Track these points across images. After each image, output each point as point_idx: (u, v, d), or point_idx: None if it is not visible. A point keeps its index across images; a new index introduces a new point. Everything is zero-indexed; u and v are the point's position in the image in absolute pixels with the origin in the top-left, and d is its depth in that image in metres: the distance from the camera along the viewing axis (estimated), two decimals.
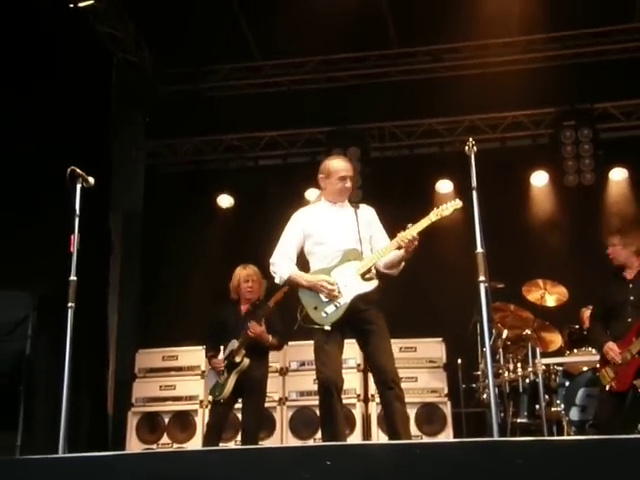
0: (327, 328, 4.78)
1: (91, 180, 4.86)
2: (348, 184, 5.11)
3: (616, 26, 9.29)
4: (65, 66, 7.94)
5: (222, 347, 6.43)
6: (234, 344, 6.27)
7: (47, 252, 7.04)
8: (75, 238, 4.66)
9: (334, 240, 4.98)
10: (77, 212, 4.72)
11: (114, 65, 9.36)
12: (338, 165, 5.14)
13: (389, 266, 4.98)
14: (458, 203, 4.85)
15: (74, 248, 4.64)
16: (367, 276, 4.88)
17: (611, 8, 8.81)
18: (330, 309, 4.82)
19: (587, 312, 7.62)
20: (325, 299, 4.84)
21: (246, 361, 6.18)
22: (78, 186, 4.79)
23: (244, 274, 6.54)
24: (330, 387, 4.80)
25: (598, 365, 6.10)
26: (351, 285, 4.84)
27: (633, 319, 5.81)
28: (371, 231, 5.06)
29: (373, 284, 4.87)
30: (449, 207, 4.82)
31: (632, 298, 5.88)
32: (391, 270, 5.01)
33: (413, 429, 7.44)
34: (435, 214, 4.81)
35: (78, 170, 4.80)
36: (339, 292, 4.82)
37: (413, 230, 4.77)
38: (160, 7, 8.61)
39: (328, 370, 4.82)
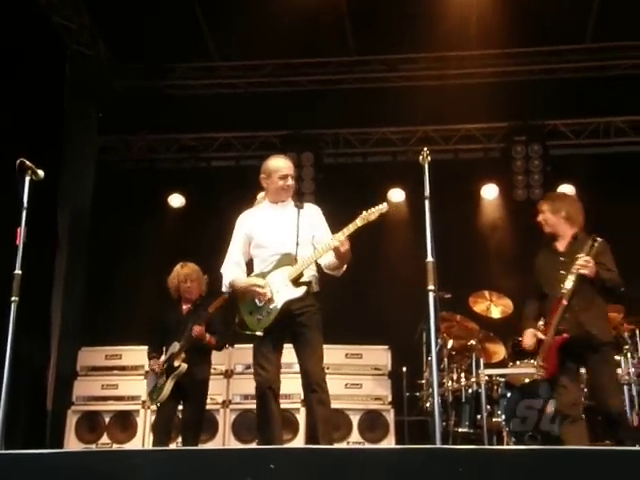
0: (259, 334, 4.88)
1: (41, 173, 4.78)
2: (289, 182, 5.13)
3: (569, 45, 9.48)
4: (17, 57, 7.79)
5: (164, 348, 6.36)
6: (175, 347, 6.21)
7: None
8: (22, 231, 4.57)
9: (273, 243, 5.03)
10: (25, 205, 4.64)
11: (68, 57, 9.21)
12: (278, 164, 5.16)
13: (330, 268, 5.02)
14: (384, 207, 4.85)
15: (20, 241, 4.56)
16: (299, 281, 4.91)
17: (564, 28, 9.00)
18: (263, 314, 4.89)
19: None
20: (259, 304, 4.91)
21: (184, 366, 6.12)
22: (27, 178, 4.70)
23: (182, 274, 6.46)
24: (266, 390, 4.87)
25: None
26: (282, 291, 4.89)
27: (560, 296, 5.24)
28: (314, 231, 5.06)
29: (302, 290, 4.90)
30: (375, 211, 4.82)
31: (562, 272, 5.27)
32: (333, 272, 5.04)
33: (355, 435, 7.47)
34: (361, 219, 4.83)
35: (27, 162, 4.72)
36: (271, 297, 4.88)
37: (338, 236, 4.80)
38: (119, 1, 8.51)
39: (265, 373, 4.88)
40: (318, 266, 5.06)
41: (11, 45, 7.69)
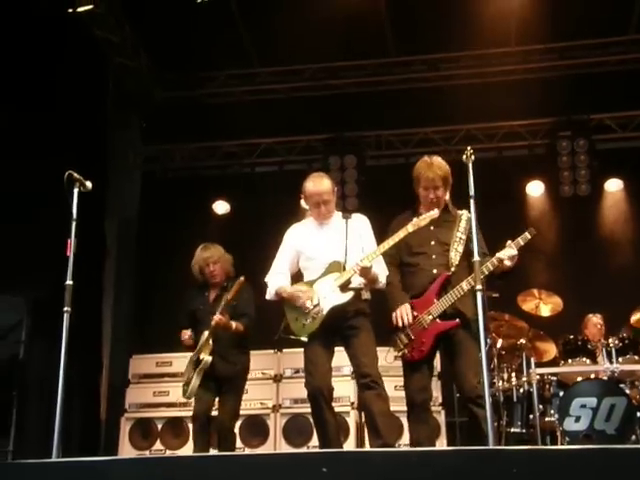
0: (304, 339, 4.93)
1: (88, 184, 4.86)
2: (322, 209, 5.15)
3: (613, 38, 9.33)
4: (62, 71, 7.93)
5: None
6: (203, 337, 5.92)
7: (41, 256, 7.04)
8: (72, 242, 4.65)
9: (322, 255, 5.07)
10: (74, 216, 4.71)
11: (111, 70, 9.36)
12: (311, 190, 5.16)
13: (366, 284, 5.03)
14: (435, 213, 4.89)
15: (71, 252, 4.63)
16: (347, 287, 4.93)
17: (608, 20, 8.86)
18: (308, 320, 4.94)
19: (593, 319, 7.66)
20: (305, 310, 4.95)
21: (207, 359, 5.84)
22: (75, 190, 4.78)
23: (203, 258, 6.13)
24: (317, 396, 4.90)
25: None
26: (329, 297, 4.93)
27: (439, 270, 4.99)
28: (362, 243, 5.10)
29: (349, 295, 4.92)
30: (426, 217, 4.87)
31: (433, 243, 5.07)
32: (373, 285, 5.05)
33: (406, 438, 7.42)
34: (412, 225, 4.87)
35: (75, 174, 4.79)
36: (318, 303, 4.92)
37: (370, 256, 4.85)
38: (158, 12, 8.60)
39: (314, 380, 4.92)
40: None
41: (55, 60, 7.84)
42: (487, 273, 4.81)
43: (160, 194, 10.02)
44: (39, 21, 7.64)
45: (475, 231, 4.44)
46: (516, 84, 9.41)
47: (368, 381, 4.84)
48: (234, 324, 5.92)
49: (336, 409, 5.15)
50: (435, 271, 4.99)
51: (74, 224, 4.69)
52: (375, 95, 9.84)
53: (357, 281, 4.98)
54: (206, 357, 5.85)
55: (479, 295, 4.26)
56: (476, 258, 4.36)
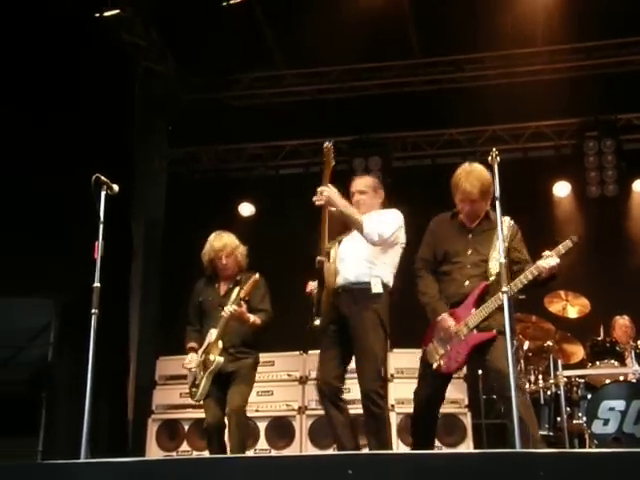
0: (316, 324, 4.97)
1: (115, 187, 4.90)
2: (354, 199, 5.21)
3: (638, 37, 9.23)
4: (90, 75, 8.01)
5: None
6: (212, 335, 5.50)
7: (70, 259, 7.10)
8: (99, 245, 4.69)
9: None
10: (101, 219, 4.76)
11: (138, 74, 9.43)
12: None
13: None
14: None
15: (98, 255, 4.68)
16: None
17: (635, 19, 8.76)
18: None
19: (620, 320, 7.59)
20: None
21: (219, 360, 5.39)
22: (102, 193, 4.83)
23: (214, 249, 5.69)
24: (321, 392, 4.99)
25: (426, 339, 4.99)
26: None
27: (471, 282, 4.79)
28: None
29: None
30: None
31: (470, 252, 4.87)
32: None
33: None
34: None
35: (103, 177, 4.84)
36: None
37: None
38: (184, 16, 8.67)
39: (319, 377, 5.04)
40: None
41: (83, 64, 7.92)
42: (526, 282, 4.63)
43: (186, 196, 10.08)
44: (66, 25, 7.72)
45: (501, 232, 4.41)
46: (542, 84, 9.35)
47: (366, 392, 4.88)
48: (252, 317, 5.47)
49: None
50: (467, 283, 4.78)
51: (101, 227, 4.74)
52: (400, 96, 9.83)
53: (370, 273, 4.98)
54: (217, 358, 5.41)
55: (505, 297, 4.23)
56: (502, 260, 4.33)
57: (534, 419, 4.67)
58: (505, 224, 4.72)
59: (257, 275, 5.48)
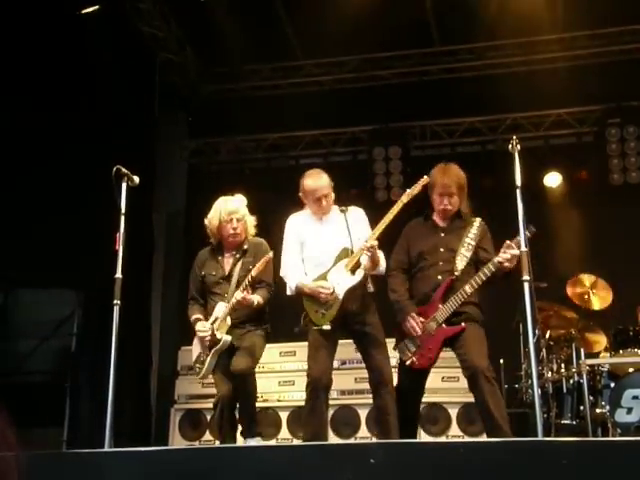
0: (326, 327, 5.02)
1: (136, 179, 4.94)
2: (324, 203, 5.31)
3: None
4: (109, 67, 8.04)
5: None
6: (220, 310, 5.29)
7: (92, 250, 7.16)
8: (120, 236, 4.72)
9: (329, 247, 5.21)
10: (122, 210, 4.79)
11: (158, 65, 9.46)
12: (310, 186, 5.37)
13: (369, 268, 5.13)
14: (425, 179, 5.08)
15: (119, 246, 4.71)
16: (356, 269, 5.08)
17: None
18: (325, 308, 5.08)
19: None
20: (324, 302, 5.09)
21: (226, 339, 5.21)
22: (123, 185, 4.86)
23: (227, 211, 5.39)
24: (317, 386, 5.09)
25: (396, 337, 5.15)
26: (342, 281, 5.07)
27: (443, 277, 4.98)
28: (359, 234, 5.18)
29: (360, 275, 5.05)
30: (417, 185, 5.05)
31: (442, 250, 5.08)
32: (374, 271, 5.17)
33: (455, 429, 7.39)
34: (407, 195, 5.03)
35: (123, 169, 4.87)
36: (333, 291, 5.05)
37: (374, 233, 4.98)
38: (202, 6, 8.68)
39: (315, 371, 5.12)
40: None
41: (102, 56, 7.95)
42: (485, 278, 4.84)
43: (207, 187, 10.07)
44: (84, 19, 7.75)
45: (522, 220, 4.41)
46: (563, 71, 9.25)
47: (381, 382, 5.08)
48: (255, 300, 5.24)
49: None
50: (440, 277, 5.01)
51: (122, 218, 4.77)
52: (420, 85, 9.77)
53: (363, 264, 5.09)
54: (225, 337, 5.23)
55: (526, 286, 4.23)
56: (523, 249, 4.34)
57: (500, 402, 4.88)
58: (476, 224, 5.07)
59: (271, 254, 5.25)
